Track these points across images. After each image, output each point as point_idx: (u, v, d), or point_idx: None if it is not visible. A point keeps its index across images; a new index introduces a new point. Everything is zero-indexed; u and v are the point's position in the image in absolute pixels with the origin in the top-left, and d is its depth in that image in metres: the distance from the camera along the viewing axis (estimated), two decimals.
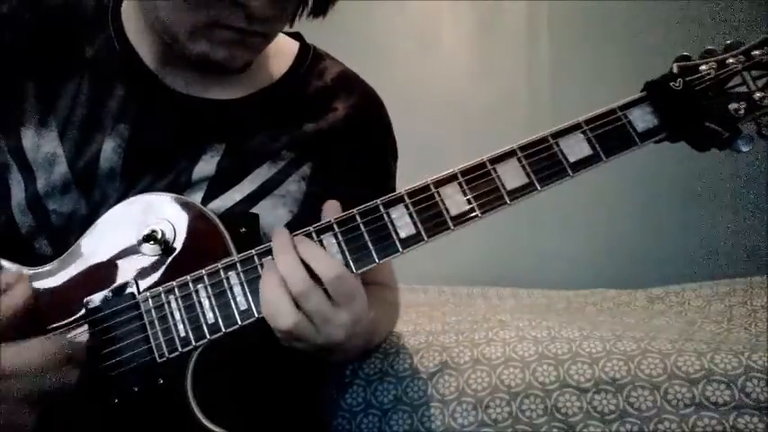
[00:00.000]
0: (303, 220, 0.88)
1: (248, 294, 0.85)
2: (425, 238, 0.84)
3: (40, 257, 0.93)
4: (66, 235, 0.93)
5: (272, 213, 0.99)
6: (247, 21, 0.88)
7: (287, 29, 1.01)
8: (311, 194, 1.01)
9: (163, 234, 0.88)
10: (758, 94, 0.84)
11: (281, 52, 1.09)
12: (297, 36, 1.13)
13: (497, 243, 2.66)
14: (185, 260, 0.88)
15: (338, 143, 1.06)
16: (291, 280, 0.81)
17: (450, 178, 0.86)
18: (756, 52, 0.85)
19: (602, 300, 2.02)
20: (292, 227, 0.87)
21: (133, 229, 0.89)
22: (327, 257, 0.83)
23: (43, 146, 0.96)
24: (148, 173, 0.96)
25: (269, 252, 0.86)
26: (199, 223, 0.90)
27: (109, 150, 0.96)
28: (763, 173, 2.67)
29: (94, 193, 0.95)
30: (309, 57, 1.10)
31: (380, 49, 2.86)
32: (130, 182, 0.96)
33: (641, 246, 2.74)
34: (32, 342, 0.84)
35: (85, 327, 0.86)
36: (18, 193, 0.95)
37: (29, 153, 0.96)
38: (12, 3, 1.01)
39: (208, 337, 0.84)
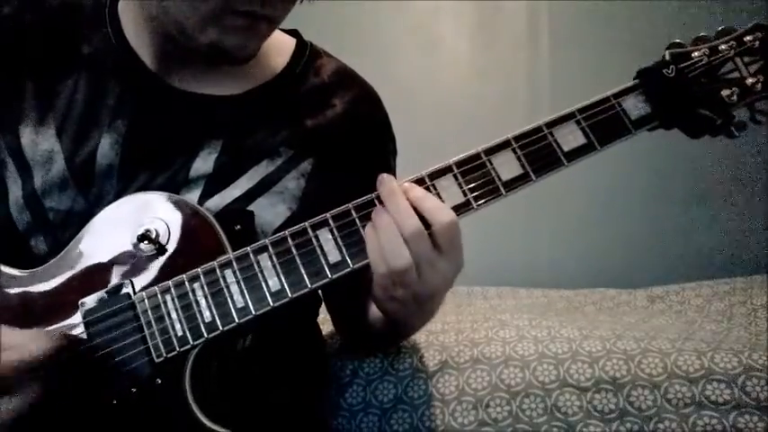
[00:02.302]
0: (302, 216, 0.88)
1: (245, 292, 0.84)
2: None
3: (35, 255, 0.94)
4: (63, 232, 0.93)
5: (271, 210, 0.98)
6: (261, 3, 0.88)
7: (286, 24, 1.00)
8: (310, 191, 1.01)
9: (157, 233, 0.88)
10: (750, 80, 0.84)
11: (279, 49, 1.09)
12: (294, 33, 1.13)
13: (497, 243, 2.66)
14: (181, 259, 0.88)
15: (337, 139, 1.05)
16: (404, 222, 0.82)
17: (445, 170, 0.86)
18: (748, 38, 0.86)
19: (602, 300, 2.02)
20: (291, 224, 0.87)
21: (128, 229, 0.89)
22: (440, 204, 0.84)
23: (41, 143, 0.96)
24: (146, 169, 0.96)
25: (264, 249, 0.85)
26: (193, 221, 0.89)
27: (106, 147, 0.96)
28: (762, 172, 2.67)
29: (92, 190, 0.95)
30: (307, 53, 1.10)
31: (381, 48, 2.86)
32: (128, 178, 0.95)
33: (641, 246, 2.74)
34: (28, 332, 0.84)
35: (82, 329, 0.86)
36: (16, 190, 0.95)
37: (27, 151, 0.96)
38: (13, 4, 1.02)
39: (205, 335, 0.84)
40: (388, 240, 0.82)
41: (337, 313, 1.28)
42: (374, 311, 1.09)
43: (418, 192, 0.85)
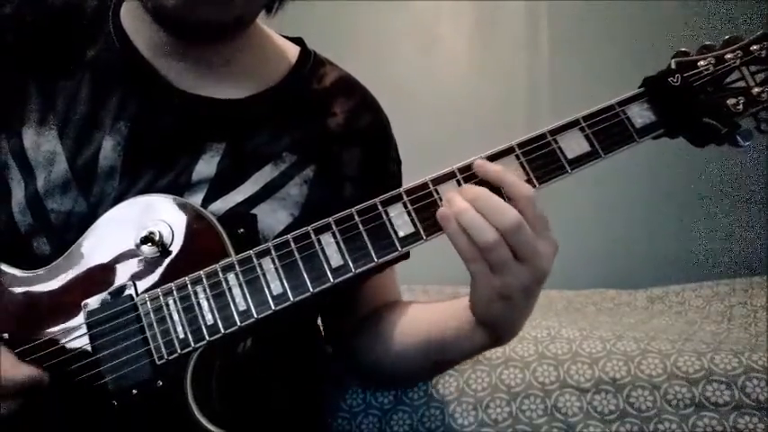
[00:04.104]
0: (304, 223, 0.87)
1: (247, 295, 0.84)
2: (424, 237, 0.84)
3: (39, 257, 0.93)
4: (65, 234, 0.93)
5: (273, 216, 0.98)
6: None
7: (286, 26, 1.00)
8: (312, 197, 1.01)
9: (161, 236, 0.88)
10: (756, 90, 0.84)
11: (283, 55, 1.09)
12: (298, 41, 1.13)
13: None
14: (183, 262, 0.87)
15: (338, 147, 1.06)
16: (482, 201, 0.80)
17: (449, 176, 0.85)
18: (755, 47, 0.85)
19: (602, 300, 2.03)
20: (292, 230, 0.86)
21: (131, 231, 0.89)
22: (520, 182, 0.82)
23: (43, 145, 0.96)
24: (148, 171, 0.96)
25: (267, 252, 0.85)
26: (197, 224, 0.89)
27: (108, 149, 0.96)
28: (762, 173, 2.67)
29: (94, 192, 0.95)
30: (310, 61, 1.10)
31: (380, 49, 2.86)
32: (130, 180, 0.95)
33: (641, 246, 2.74)
34: None
35: (84, 330, 0.86)
36: (18, 192, 0.95)
37: (29, 152, 0.95)
38: (14, 3, 1.01)
39: (207, 338, 0.84)
40: (470, 220, 0.80)
41: (352, 357, 1.23)
42: (407, 341, 1.07)
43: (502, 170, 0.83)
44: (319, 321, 1.22)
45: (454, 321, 0.97)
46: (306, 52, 1.11)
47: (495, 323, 0.91)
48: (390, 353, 1.08)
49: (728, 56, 0.85)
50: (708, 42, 0.87)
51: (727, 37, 0.87)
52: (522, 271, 0.82)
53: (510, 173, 0.82)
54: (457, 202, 0.81)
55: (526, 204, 0.81)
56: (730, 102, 0.84)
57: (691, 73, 0.86)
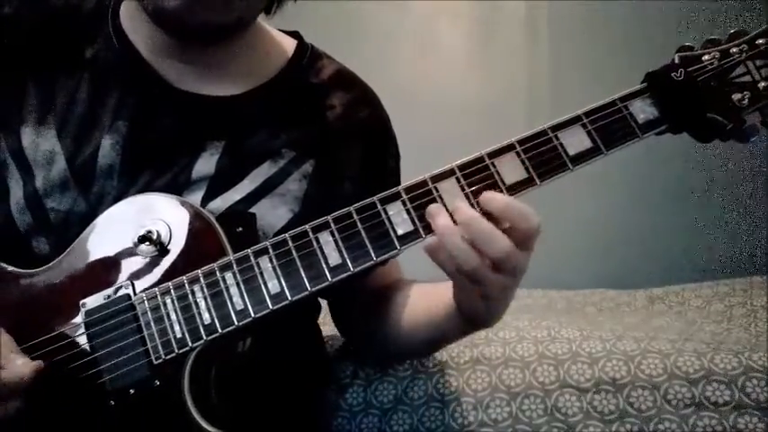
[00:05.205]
0: (304, 218, 0.87)
1: (245, 294, 0.84)
2: (423, 235, 0.82)
3: (38, 256, 0.93)
4: (64, 233, 0.93)
5: (273, 213, 0.98)
6: None
7: (286, 26, 1.00)
8: (312, 193, 1.01)
9: (158, 235, 0.88)
10: (762, 84, 0.82)
11: (279, 49, 1.09)
12: (295, 35, 1.13)
13: None
14: (181, 261, 0.87)
15: (337, 141, 1.05)
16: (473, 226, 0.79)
17: (448, 173, 0.84)
18: (761, 41, 0.84)
19: (602, 300, 2.03)
20: (293, 225, 0.86)
21: (129, 230, 0.89)
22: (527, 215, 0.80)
23: (42, 144, 0.96)
24: (147, 170, 0.96)
25: (265, 251, 0.84)
26: (195, 223, 0.89)
27: (107, 147, 0.96)
28: (763, 172, 2.67)
29: (93, 191, 0.95)
30: (307, 55, 1.10)
31: (380, 48, 2.86)
32: (129, 179, 0.95)
33: (641, 246, 2.74)
34: None
35: (82, 329, 0.85)
36: (17, 191, 0.95)
37: (28, 152, 0.95)
38: (14, 3, 1.01)
39: (204, 338, 0.83)
40: (454, 247, 0.78)
41: (355, 333, 1.26)
42: (409, 320, 1.08)
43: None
44: (320, 321, 1.22)
45: (444, 306, 0.97)
46: (303, 45, 1.11)
47: (477, 316, 0.91)
48: (401, 333, 1.09)
49: (734, 50, 0.84)
50: (712, 36, 0.86)
51: (732, 31, 0.86)
52: (500, 279, 0.81)
53: (516, 203, 0.80)
54: (442, 220, 0.80)
55: (530, 236, 0.80)
56: (735, 97, 0.83)
57: (695, 67, 0.84)
